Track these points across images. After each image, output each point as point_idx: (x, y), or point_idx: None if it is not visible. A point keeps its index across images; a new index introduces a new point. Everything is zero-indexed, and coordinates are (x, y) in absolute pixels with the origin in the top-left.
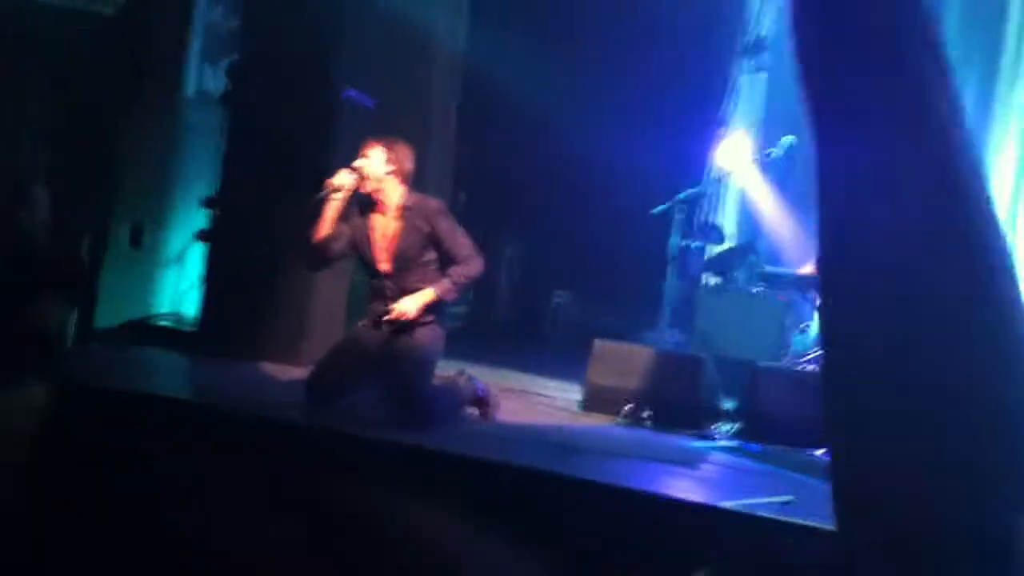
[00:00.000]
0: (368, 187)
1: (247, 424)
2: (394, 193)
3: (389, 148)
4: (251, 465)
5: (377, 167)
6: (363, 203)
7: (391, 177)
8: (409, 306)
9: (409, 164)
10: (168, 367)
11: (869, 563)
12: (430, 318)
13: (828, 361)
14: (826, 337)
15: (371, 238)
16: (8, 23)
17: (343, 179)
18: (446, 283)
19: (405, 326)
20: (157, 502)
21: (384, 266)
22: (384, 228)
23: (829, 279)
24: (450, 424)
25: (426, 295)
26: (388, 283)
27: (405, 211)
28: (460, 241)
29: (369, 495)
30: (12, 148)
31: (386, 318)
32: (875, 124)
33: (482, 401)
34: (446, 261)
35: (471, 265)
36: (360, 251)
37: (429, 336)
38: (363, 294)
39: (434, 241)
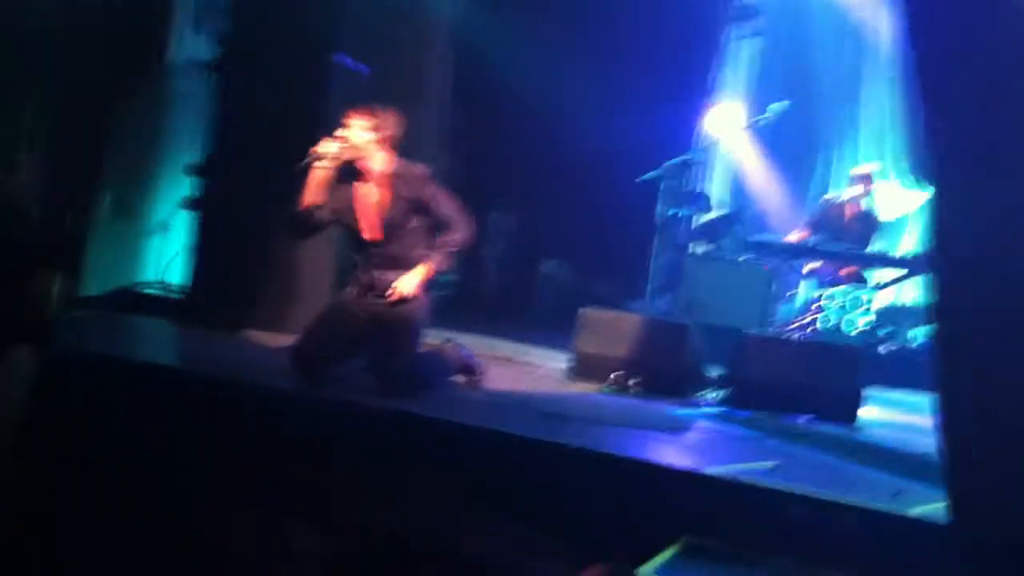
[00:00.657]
0: (352, 155)
1: (236, 391)
2: (378, 160)
3: (373, 115)
4: (239, 431)
5: (360, 135)
6: (348, 171)
7: (375, 145)
8: (408, 285)
9: (394, 131)
10: (156, 335)
11: (983, 556)
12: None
13: (941, 343)
14: (940, 318)
15: (356, 206)
16: None
17: (327, 147)
18: (437, 256)
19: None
20: (147, 469)
21: (370, 234)
22: (369, 196)
23: (944, 259)
24: (437, 391)
25: (421, 272)
26: (375, 251)
27: (390, 178)
28: (447, 205)
29: (357, 461)
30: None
31: (388, 297)
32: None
33: (470, 369)
34: (434, 227)
35: (461, 231)
36: (345, 220)
37: (415, 304)
38: (349, 261)
39: (421, 208)
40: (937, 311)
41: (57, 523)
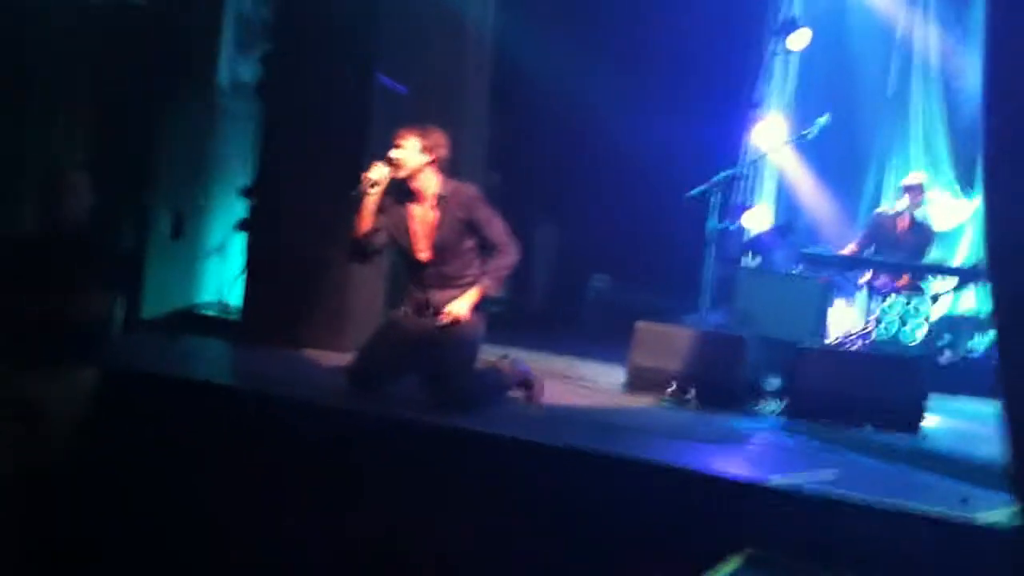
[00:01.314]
0: (405, 177)
1: (293, 409)
2: (431, 182)
3: (423, 136)
4: (295, 450)
5: (413, 156)
6: (400, 192)
7: (427, 166)
8: (461, 308)
9: (444, 151)
10: (214, 355)
11: None
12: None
13: (1003, 345)
14: (1000, 321)
15: (410, 227)
16: (47, 16)
17: (379, 172)
18: (487, 280)
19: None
20: (203, 486)
21: (424, 255)
22: (422, 217)
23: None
24: (496, 407)
25: (472, 295)
26: (428, 271)
27: (442, 199)
28: (497, 228)
29: (418, 480)
30: (54, 139)
31: (439, 323)
32: None
33: (528, 384)
34: (483, 248)
35: (508, 255)
36: (398, 240)
37: (469, 323)
38: (402, 280)
39: (472, 228)
40: (996, 314)
41: (114, 540)
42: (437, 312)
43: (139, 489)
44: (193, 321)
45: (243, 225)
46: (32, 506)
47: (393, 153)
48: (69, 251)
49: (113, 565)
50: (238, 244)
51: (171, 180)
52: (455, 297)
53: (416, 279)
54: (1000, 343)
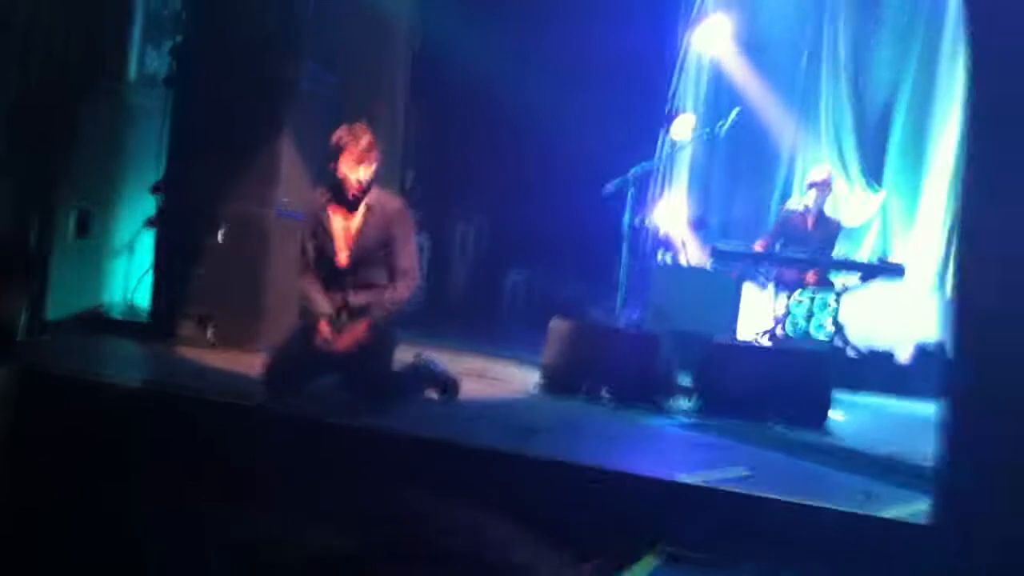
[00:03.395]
0: (357, 193)
1: (207, 410)
2: (368, 191)
3: (371, 137)
4: (204, 451)
5: (371, 173)
6: (331, 190)
7: (371, 172)
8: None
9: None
10: (119, 355)
11: (967, 557)
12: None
13: (958, 341)
14: (960, 317)
15: (331, 230)
16: None
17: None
18: (378, 312)
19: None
20: (110, 488)
21: (343, 260)
22: (346, 222)
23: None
24: (411, 406)
25: (360, 330)
26: (345, 275)
27: (369, 208)
28: (408, 253)
29: (331, 478)
30: None
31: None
32: None
33: (443, 383)
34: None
35: (406, 287)
36: (317, 241)
37: (383, 326)
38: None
39: (389, 242)
40: (958, 311)
41: (26, 543)
42: (352, 315)
43: (44, 492)
44: (99, 323)
45: (152, 222)
46: None
47: (365, 173)
48: None
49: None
50: (147, 242)
51: (78, 177)
52: (370, 300)
53: (332, 281)
54: (956, 346)
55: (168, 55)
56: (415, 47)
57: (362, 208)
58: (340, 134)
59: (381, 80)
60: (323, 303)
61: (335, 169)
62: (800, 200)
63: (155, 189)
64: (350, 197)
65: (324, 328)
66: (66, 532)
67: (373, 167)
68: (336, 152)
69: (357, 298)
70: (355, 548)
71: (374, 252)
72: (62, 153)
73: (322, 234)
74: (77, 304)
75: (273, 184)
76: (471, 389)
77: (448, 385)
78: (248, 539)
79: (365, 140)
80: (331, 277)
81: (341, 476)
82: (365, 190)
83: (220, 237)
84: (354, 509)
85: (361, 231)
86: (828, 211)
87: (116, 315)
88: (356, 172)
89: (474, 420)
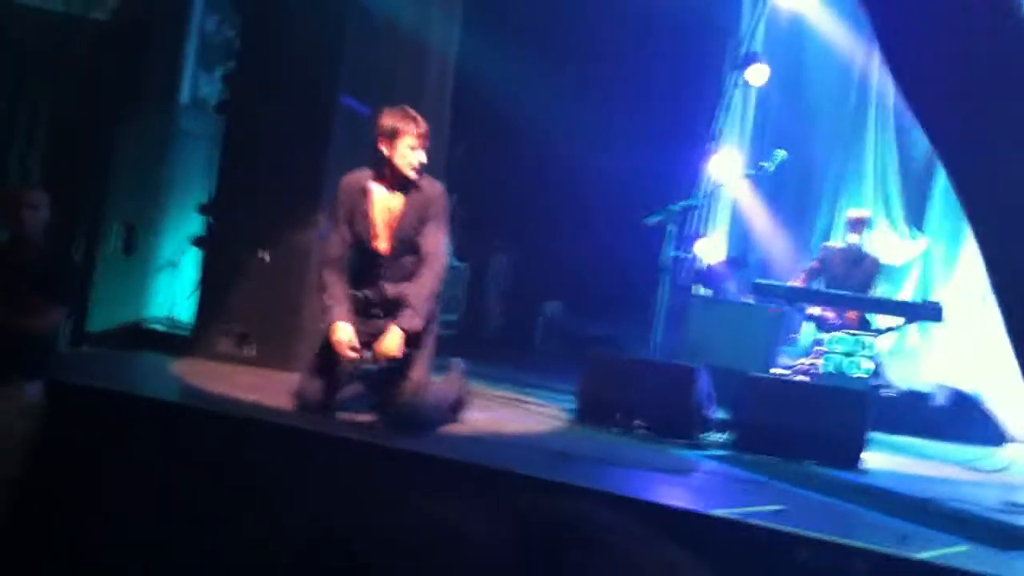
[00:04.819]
0: (412, 177)
1: (242, 428)
2: (415, 169)
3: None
4: (246, 468)
5: (417, 138)
6: (374, 169)
7: (421, 151)
8: (392, 347)
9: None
10: (159, 370)
11: None
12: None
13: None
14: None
15: (369, 214)
16: (4, 28)
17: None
18: (409, 314)
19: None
20: (150, 502)
21: (382, 246)
22: (388, 204)
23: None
24: (444, 429)
25: (399, 334)
26: (383, 263)
27: (416, 189)
28: (437, 238)
29: (363, 500)
30: (9, 152)
31: (377, 365)
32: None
33: (459, 402)
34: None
35: (428, 273)
36: (355, 228)
37: (420, 345)
38: (352, 270)
39: (423, 224)
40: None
41: (59, 556)
42: (387, 308)
43: (86, 505)
44: (140, 336)
45: (198, 241)
46: None
47: (423, 158)
48: (20, 265)
49: None
50: (191, 260)
51: (126, 194)
52: (407, 291)
53: (368, 271)
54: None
55: (220, 81)
56: (453, 77)
57: (407, 191)
58: (394, 119)
59: (423, 110)
60: (344, 308)
61: (388, 152)
62: (840, 239)
63: (202, 209)
64: (403, 181)
65: (348, 335)
66: (102, 543)
67: (427, 153)
68: (392, 135)
69: (393, 290)
70: (385, 572)
71: (413, 237)
72: (112, 171)
73: (361, 219)
74: (119, 318)
75: (315, 207)
76: (505, 416)
77: (462, 403)
78: (281, 557)
79: (424, 125)
80: (367, 267)
81: (373, 497)
82: (420, 174)
83: (264, 257)
84: (389, 533)
85: (404, 214)
86: (867, 250)
87: (157, 328)
88: (417, 155)
89: (507, 446)
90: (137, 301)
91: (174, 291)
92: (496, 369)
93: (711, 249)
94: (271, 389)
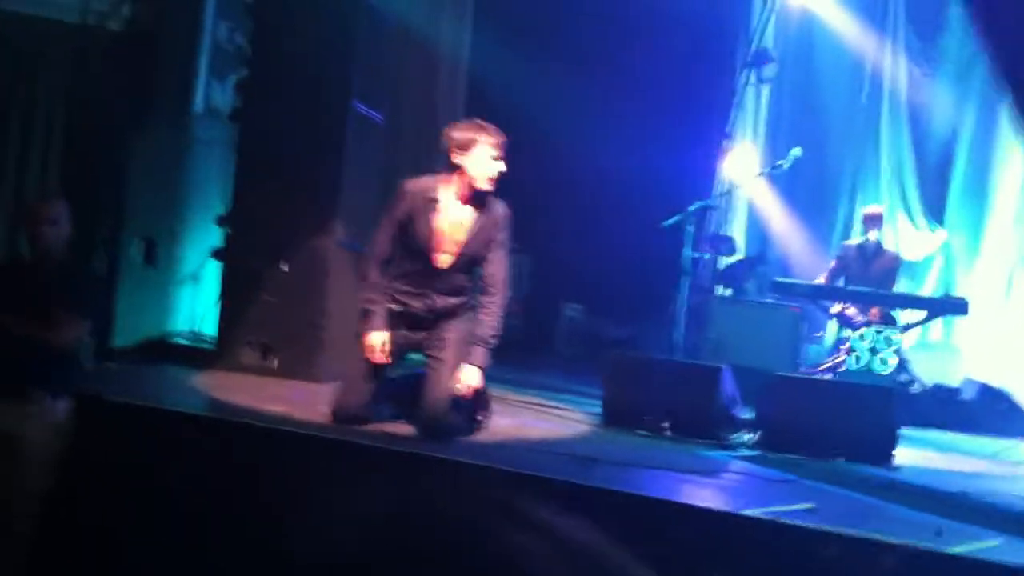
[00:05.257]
0: (489, 189)
1: (271, 439)
2: (486, 187)
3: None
4: (269, 479)
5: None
6: (443, 180)
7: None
8: (475, 380)
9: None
10: (186, 384)
11: None
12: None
13: None
14: None
15: (436, 224)
16: (19, 40)
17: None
18: (481, 353)
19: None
20: (177, 515)
21: (444, 260)
22: (458, 218)
23: None
24: (469, 436)
25: (476, 369)
26: (438, 276)
27: (487, 206)
28: (502, 265)
29: (395, 507)
30: (26, 165)
31: (460, 395)
32: None
33: (482, 406)
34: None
35: (498, 301)
36: (415, 235)
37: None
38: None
39: (489, 249)
40: None
41: (90, 570)
42: (435, 320)
43: (113, 520)
44: (165, 350)
45: (217, 254)
46: (7, 538)
47: (502, 168)
48: (43, 280)
49: None
50: (212, 272)
51: (144, 207)
52: (456, 306)
53: (419, 282)
54: None
55: (233, 90)
56: (466, 81)
57: (478, 207)
58: (469, 129)
59: (436, 113)
60: (382, 317)
61: (463, 162)
62: (858, 237)
63: (220, 221)
64: (478, 194)
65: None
66: (134, 558)
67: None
68: (467, 145)
69: (443, 303)
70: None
71: (478, 257)
72: (130, 182)
73: (424, 229)
74: (143, 331)
75: (332, 215)
76: (530, 421)
77: (486, 408)
78: (310, 567)
79: (500, 135)
80: (419, 277)
81: (402, 505)
82: (496, 186)
83: (283, 267)
84: (419, 539)
85: (475, 232)
86: (886, 246)
87: (181, 342)
88: (496, 166)
89: (534, 451)
90: (160, 315)
91: (197, 304)
92: (518, 373)
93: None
94: (296, 400)
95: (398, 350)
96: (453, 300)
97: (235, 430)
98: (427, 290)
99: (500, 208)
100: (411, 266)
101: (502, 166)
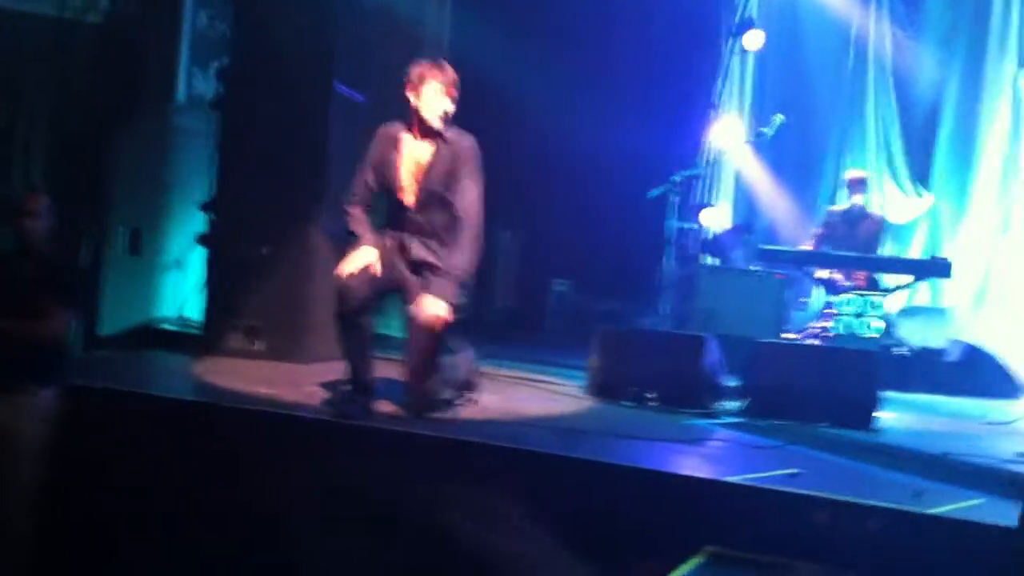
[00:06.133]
0: (440, 125)
1: (260, 422)
2: (441, 118)
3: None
4: (260, 462)
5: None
6: (405, 124)
7: (448, 100)
8: (437, 311)
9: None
10: (175, 369)
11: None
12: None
13: None
14: None
15: (399, 165)
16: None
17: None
18: (441, 283)
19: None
20: (169, 501)
21: (409, 198)
22: (416, 155)
23: None
24: (455, 412)
25: (442, 304)
26: (409, 216)
27: (444, 142)
28: (469, 197)
29: (385, 485)
30: (10, 159)
31: (422, 324)
32: None
33: (469, 385)
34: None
35: (464, 244)
36: (382, 177)
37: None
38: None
39: (454, 182)
40: None
41: (80, 559)
42: (414, 266)
43: (107, 507)
44: (153, 336)
45: (202, 239)
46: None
47: (451, 107)
48: (28, 273)
49: None
50: (197, 259)
51: (128, 196)
52: (434, 254)
53: (397, 222)
54: None
55: (215, 77)
56: (449, 58)
57: (435, 142)
58: (421, 66)
59: None
60: (370, 236)
61: (414, 100)
62: (843, 201)
63: (204, 207)
64: (431, 128)
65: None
66: (118, 546)
67: (454, 103)
68: (418, 81)
69: (419, 251)
70: (405, 554)
71: (441, 192)
72: (113, 173)
73: (389, 169)
74: (130, 319)
75: (318, 197)
76: (518, 395)
77: (472, 387)
78: (298, 552)
79: (451, 74)
80: (396, 218)
81: (389, 483)
82: (447, 123)
83: (268, 252)
84: (404, 516)
85: (432, 166)
86: (871, 210)
87: (169, 328)
88: (443, 103)
89: (523, 425)
90: (146, 302)
91: (183, 290)
92: (507, 349)
93: (717, 217)
94: (285, 382)
95: (383, 280)
96: (432, 244)
97: (225, 414)
98: (403, 232)
99: (464, 141)
100: (390, 210)
101: (449, 104)
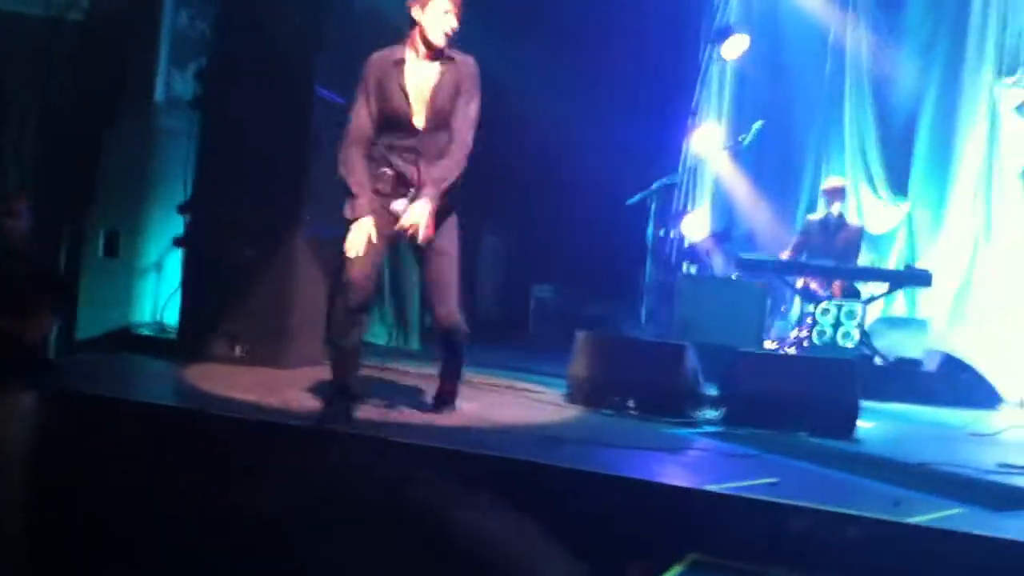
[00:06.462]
0: (445, 43)
1: (234, 428)
2: (442, 40)
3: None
4: (237, 469)
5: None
6: (409, 44)
7: (453, 16)
8: (421, 218)
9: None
10: (147, 374)
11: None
12: (446, 204)
13: None
14: None
15: (405, 85)
16: None
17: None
18: (428, 189)
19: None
20: (147, 507)
21: (419, 121)
22: (422, 75)
23: None
24: (434, 419)
25: (427, 206)
26: (418, 140)
27: (449, 60)
28: (467, 118)
29: (363, 492)
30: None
31: (404, 232)
32: None
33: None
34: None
35: (455, 158)
36: (389, 101)
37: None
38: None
39: (456, 99)
40: None
41: (58, 562)
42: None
43: (84, 513)
44: (130, 341)
45: (179, 241)
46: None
47: (455, 24)
48: (15, 271)
49: None
50: (175, 262)
51: (106, 198)
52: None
53: (402, 149)
54: None
55: (194, 78)
56: None
57: (442, 61)
58: None
59: None
60: (368, 199)
61: (419, 17)
62: (821, 210)
63: (182, 209)
64: (436, 47)
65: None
66: (96, 554)
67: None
68: (422, 1)
69: (429, 170)
70: (391, 563)
71: (449, 110)
72: (90, 175)
73: (395, 93)
74: (107, 323)
75: (298, 201)
76: (498, 401)
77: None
78: (282, 560)
79: None
80: (401, 145)
81: (369, 490)
82: (451, 42)
83: (247, 255)
84: (384, 523)
85: (440, 86)
86: (849, 218)
87: (145, 333)
88: (449, 20)
89: (501, 432)
90: (124, 306)
91: (161, 294)
92: (489, 354)
93: (696, 226)
94: (264, 387)
95: (384, 240)
96: (437, 167)
97: (204, 420)
98: (411, 156)
99: (468, 59)
100: (394, 139)
101: (454, 22)
